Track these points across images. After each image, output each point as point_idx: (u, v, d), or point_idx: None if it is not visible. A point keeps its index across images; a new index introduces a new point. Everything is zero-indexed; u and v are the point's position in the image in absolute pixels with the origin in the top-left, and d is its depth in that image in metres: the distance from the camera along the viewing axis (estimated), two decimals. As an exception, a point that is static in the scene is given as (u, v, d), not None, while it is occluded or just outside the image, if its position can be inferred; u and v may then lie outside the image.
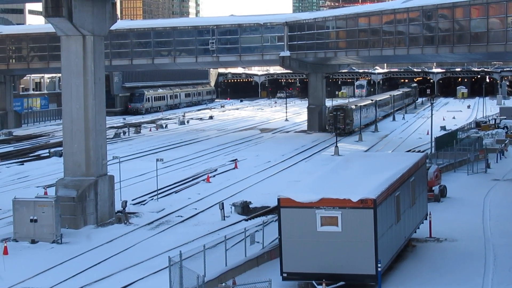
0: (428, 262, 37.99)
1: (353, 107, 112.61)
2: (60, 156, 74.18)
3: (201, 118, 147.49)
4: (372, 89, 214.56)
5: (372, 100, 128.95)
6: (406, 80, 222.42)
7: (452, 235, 43.64)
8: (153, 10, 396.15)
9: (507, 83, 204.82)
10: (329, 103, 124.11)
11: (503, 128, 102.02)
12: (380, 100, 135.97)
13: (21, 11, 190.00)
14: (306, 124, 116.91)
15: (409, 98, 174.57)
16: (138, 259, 40.69)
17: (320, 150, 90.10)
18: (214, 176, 70.46)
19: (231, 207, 53.57)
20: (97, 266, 39.72)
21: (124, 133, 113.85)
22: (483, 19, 79.36)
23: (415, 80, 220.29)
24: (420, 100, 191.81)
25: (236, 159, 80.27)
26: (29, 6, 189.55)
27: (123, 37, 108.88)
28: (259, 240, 39.64)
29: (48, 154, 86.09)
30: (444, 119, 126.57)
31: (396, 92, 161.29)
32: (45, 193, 57.01)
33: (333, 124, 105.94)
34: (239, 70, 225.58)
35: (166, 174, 69.16)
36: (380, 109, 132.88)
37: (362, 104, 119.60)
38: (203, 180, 67.95)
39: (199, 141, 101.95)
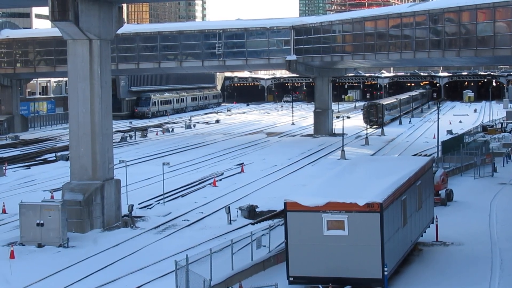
0: (434, 266, 37.95)
1: (384, 104, 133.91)
2: (67, 160, 74.26)
3: (207, 122, 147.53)
4: (377, 93, 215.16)
5: (396, 99, 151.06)
6: (413, 84, 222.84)
7: (458, 239, 43.58)
8: (159, 14, 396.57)
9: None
10: (335, 107, 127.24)
11: (510, 132, 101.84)
12: (403, 99, 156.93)
13: (27, 15, 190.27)
14: (313, 128, 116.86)
15: (424, 98, 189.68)
16: (144, 263, 40.70)
17: (326, 154, 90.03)
18: (220, 180, 70.47)
19: (237, 211, 53.57)
20: (103, 270, 39.73)
21: (131, 137, 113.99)
22: (489, 23, 79.31)
23: (422, 84, 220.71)
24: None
25: (243, 163, 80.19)
26: (35, 10, 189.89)
27: (129, 41, 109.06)
28: (266, 244, 39.64)
29: (54, 158, 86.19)
30: (450, 123, 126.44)
31: (413, 93, 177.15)
32: (52, 197, 56.99)
33: (367, 117, 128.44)
34: (245, 74, 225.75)
35: (173, 178, 69.18)
36: (403, 107, 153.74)
37: (390, 102, 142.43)
38: (210, 184, 67.97)
39: (205, 145, 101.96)
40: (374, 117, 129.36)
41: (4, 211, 55.29)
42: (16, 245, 44.43)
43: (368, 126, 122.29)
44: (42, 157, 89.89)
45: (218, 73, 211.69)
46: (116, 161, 55.60)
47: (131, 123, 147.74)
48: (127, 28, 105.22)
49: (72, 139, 51.04)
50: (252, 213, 53.62)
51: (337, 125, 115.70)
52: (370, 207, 32.23)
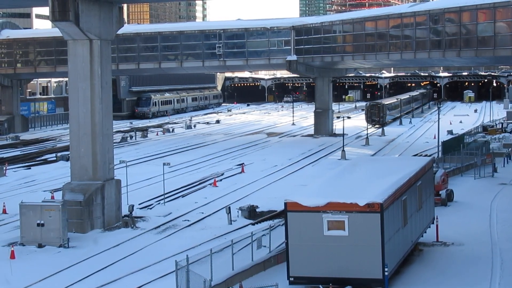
0: (435, 266, 37.95)
1: (386, 103, 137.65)
2: (67, 160, 74.30)
3: (208, 122, 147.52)
4: (379, 93, 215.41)
5: (397, 99, 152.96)
6: (413, 84, 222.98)
7: (459, 239, 43.58)
8: (160, 14, 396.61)
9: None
10: (335, 107, 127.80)
11: (510, 132, 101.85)
12: (404, 99, 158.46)
13: (28, 15, 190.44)
14: (313, 128, 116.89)
15: (424, 98, 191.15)
16: (145, 263, 40.70)
17: (327, 154, 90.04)
18: (221, 180, 70.47)
19: (238, 211, 53.56)
20: (104, 270, 39.73)
21: (131, 137, 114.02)
22: (490, 23, 79.35)
23: (422, 84, 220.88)
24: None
25: (243, 163, 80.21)
26: (36, 10, 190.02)
27: (130, 41, 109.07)
28: (266, 244, 39.66)
29: (55, 158, 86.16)
30: (451, 123, 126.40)
31: (413, 93, 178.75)
32: (52, 197, 57.00)
33: (370, 117, 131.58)
34: (246, 74, 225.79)
35: (173, 178, 69.15)
36: (404, 106, 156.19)
37: (391, 102, 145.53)
38: (210, 184, 67.97)
39: (206, 145, 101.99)
40: (376, 116, 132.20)
41: (4, 211, 55.30)
42: (16, 245, 44.43)
43: (370, 126, 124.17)
44: (43, 157, 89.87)
45: (218, 73, 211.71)
46: (116, 161, 55.59)
47: (131, 123, 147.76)
48: (127, 28, 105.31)
49: (73, 140, 51.04)
50: (252, 213, 53.62)
51: (337, 125, 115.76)
52: (370, 207, 32.24)
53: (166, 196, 59.38)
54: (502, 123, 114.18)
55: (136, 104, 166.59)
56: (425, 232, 42.11)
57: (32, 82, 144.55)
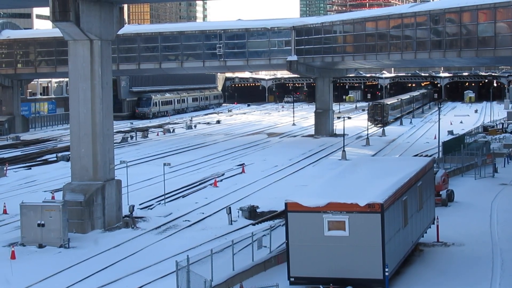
0: (435, 267, 37.95)
1: (388, 103, 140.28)
2: (68, 160, 74.19)
3: (208, 123, 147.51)
4: (380, 94, 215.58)
5: (398, 99, 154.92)
6: (414, 85, 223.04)
7: (459, 239, 43.57)
8: (160, 15, 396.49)
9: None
10: (336, 107, 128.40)
11: (511, 133, 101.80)
12: (405, 99, 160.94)
13: (28, 16, 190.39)
14: (314, 128, 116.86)
15: (425, 99, 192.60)
16: (145, 263, 40.70)
17: (327, 155, 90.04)
18: (221, 180, 70.45)
19: (238, 212, 53.54)
20: (104, 271, 39.73)
21: (132, 137, 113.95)
22: (490, 23, 79.34)
23: (423, 85, 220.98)
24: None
25: (244, 163, 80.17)
26: (36, 10, 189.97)
27: (130, 42, 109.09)
28: (267, 245, 39.67)
29: (55, 159, 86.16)
30: (451, 124, 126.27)
31: (414, 94, 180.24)
32: (53, 197, 57.04)
33: (372, 116, 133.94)
34: (246, 74, 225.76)
35: (174, 179, 69.11)
36: (406, 106, 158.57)
37: (393, 102, 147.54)
38: (211, 184, 67.96)
39: (206, 146, 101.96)
40: (378, 116, 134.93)
41: (5, 212, 55.31)
42: (17, 245, 44.41)
43: (373, 125, 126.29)
44: (43, 158, 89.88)
45: (219, 74, 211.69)
46: (117, 161, 55.57)
47: (132, 123, 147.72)
48: (128, 29, 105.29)
49: (73, 140, 51.03)
50: (253, 214, 53.60)
51: (338, 126, 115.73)
52: (371, 208, 32.24)
53: (166, 196, 59.39)
54: (503, 124, 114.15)
55: (136, 105, 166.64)
56: (426, 233, 42.12)
57: (32, 82, 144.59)
